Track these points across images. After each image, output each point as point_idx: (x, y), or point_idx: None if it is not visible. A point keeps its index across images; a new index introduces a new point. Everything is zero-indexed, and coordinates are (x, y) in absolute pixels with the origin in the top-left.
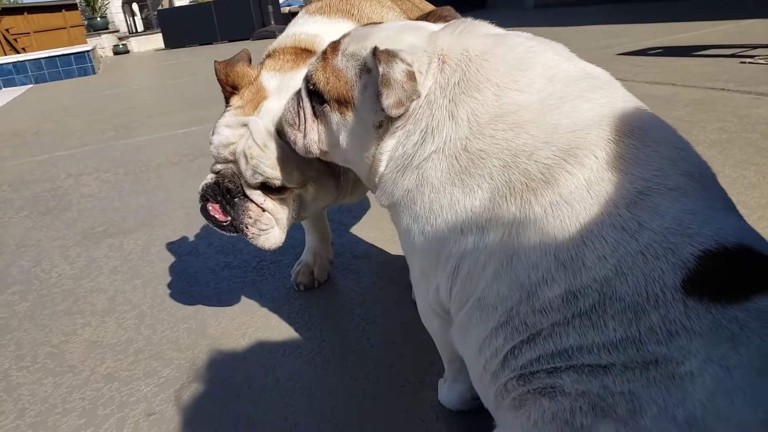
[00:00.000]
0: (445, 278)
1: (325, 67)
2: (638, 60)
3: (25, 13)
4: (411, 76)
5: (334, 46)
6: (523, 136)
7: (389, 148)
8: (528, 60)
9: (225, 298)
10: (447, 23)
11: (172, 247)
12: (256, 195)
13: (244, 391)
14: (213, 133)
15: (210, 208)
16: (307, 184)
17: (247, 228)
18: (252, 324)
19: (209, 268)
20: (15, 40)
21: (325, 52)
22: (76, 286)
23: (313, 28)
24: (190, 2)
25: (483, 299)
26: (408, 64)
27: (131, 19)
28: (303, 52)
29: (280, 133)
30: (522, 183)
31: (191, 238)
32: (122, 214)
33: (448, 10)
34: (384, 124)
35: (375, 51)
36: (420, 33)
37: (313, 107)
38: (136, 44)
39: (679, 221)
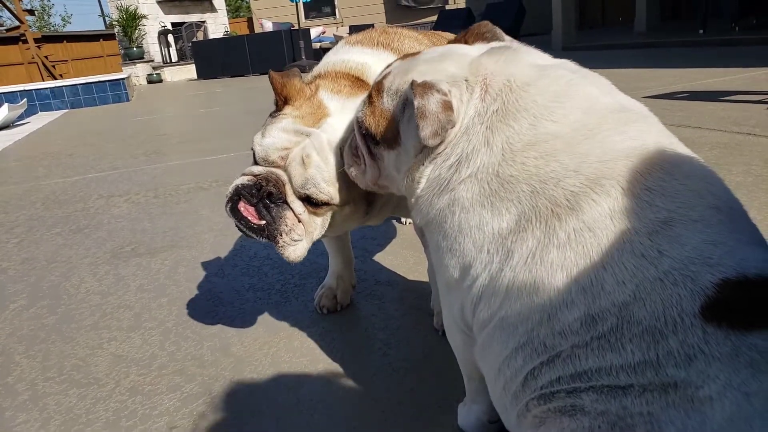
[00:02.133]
0: (470, 296)
1: (374, 111)
2: (665, 103)
3: (65, 42)
4: (447, 106)
5: (378, 87)
6: (552, 164)
7: (428, 171)
8: (567, 93)
9: (249, 319)
10: (491, 47)
11: (198, 267)
12: (297, 205)
13: (264, 409)
14: (263, 135)
15: (242, 207)
16: (346, 205)
17: (280, 236)
18: (275, 344)
19: (234, 289)
20: (53, 66)
21: (371, 95)
22: (103, 302)
23: (359, 57)
24: (224, 35)
25: (505, 319)
26: (444, 94)
27: (166, 49)
28: (357, 80)
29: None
30: (548, 209)
31: (218, 259)
32: (151, 235)
33: (486, 26)
34: (424, 149)
35: (412, 84)
36: (461, 60)
37: (368, 148)
38: (169, 74)
39: (700, 251)
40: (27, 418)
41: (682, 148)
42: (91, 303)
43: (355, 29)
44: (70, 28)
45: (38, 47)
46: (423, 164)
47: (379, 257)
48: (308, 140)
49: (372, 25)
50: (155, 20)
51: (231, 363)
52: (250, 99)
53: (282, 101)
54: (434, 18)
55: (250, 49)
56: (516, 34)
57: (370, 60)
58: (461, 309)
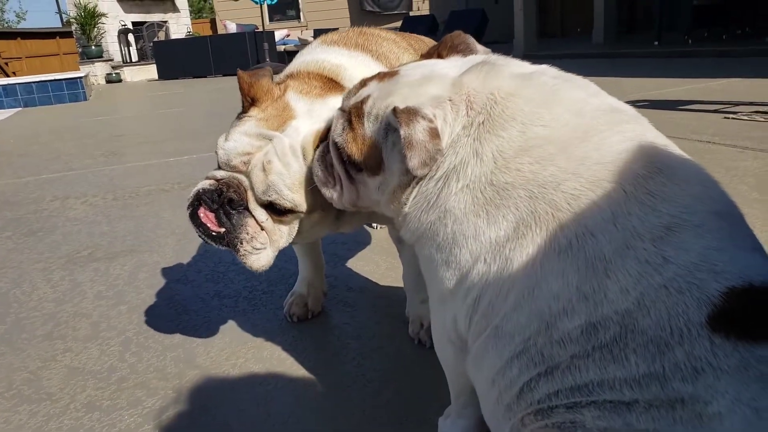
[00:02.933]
0: (465, 308)
1: (355, 138)
2: None
3: (19, 39)
4: (434, 134)
5: (358, 111)
6: (550, 168)
7: (414, 191)
8: (553, 98)
9: (215, 328)
10: (469, 64)
11: (160, 273)
12: (259, 212)
13: (233, 424)
14: (226, 139)
15: (202, 214)
16: (314, 212)
17: (241, 244)
18: (243, 355)
19: (199, 296)
20: (6, 63)
21: (350, 120)
22: (58, 310)
23: (335, 58)
24: (186, 35)
25: (500, 328)
26: (430, 120)
27: (126, 49)
28: (330, 81)
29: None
30: (548, 213)
31: (181, 265)
32: (109, 239)
33: (459, 37)
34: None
35: (395, 111)
36: (443, 81)
37: (347, 173)
38: (129, 74)
39: (705, 257)
40: None
41: (677, 150)
42: (44, 311)
43: (319, 33)
44: (24, 25)
45: None
46: (409, 185)
47: (351, 263)
48: (270, 145)
49: (336, 29)
50: (115, 19)
51: (196, 375)
52: (213, 100)
53: (248, 102)
54: (398, 24)
55: (213, 51)
56: (479, 41)
57: (345, 62)
58: (454, 321)
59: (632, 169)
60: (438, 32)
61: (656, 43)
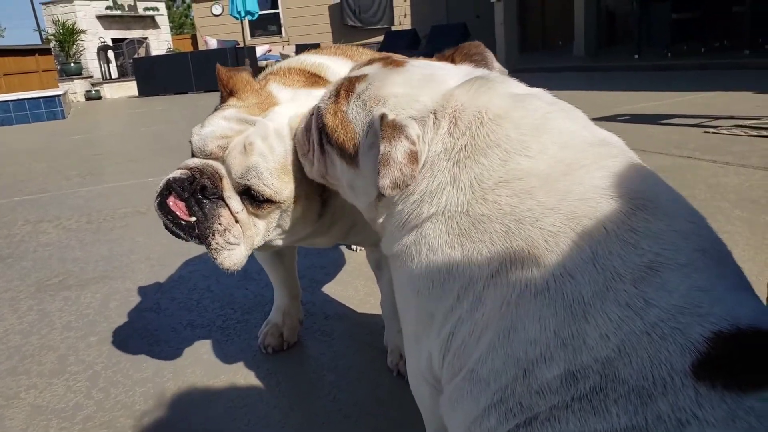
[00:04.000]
0: (438, 345)
1: (336, 112)
2: (608, 126)
3: None
4: (413, 158)
5: (350, 86)
6: (528, 203)
7: (389, 203)
8: (543, 126)
9: (186, 361)
10: (470, 76)
11: (132, 301)
12: (235, 201)
13: None
14: (202, 126)
15: (171, 203)
16: (295, 203)
17: (213, 236)
18: (215, 390)
19: (171, 326)
20: None
21: (338, 91)
22: (23, 342)
23: (317, 59)
24: (167, 51)
25: (475, 372)
26: (412, 143)
27: (106, 66)
28: (313, 76)
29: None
30: (524, 251)
31: (154, 292)
32: (81, 265)
33: (477, 47)
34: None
35: (382, 119)
36: (437, 90)
37: (321, 143)
38: (109, 91)
39: (689, 299)
40: None
41: (664, 186)
42: (9, 344)
43: (301, 48)
44: (2, 42)
45: None
46: (382, 198)
47: (329, 287)
48: (252, 129)
49: (318, 45)
50: (94, 36)
51: (165, 412)
52: (194, 117)
53: (227, 93)
54: (380, 38)
55: (194, 67)
56: None
57: (327, 62)
58: (429, 359)
59: (615, 205)
60: (420, 46)
61: (636, 56)
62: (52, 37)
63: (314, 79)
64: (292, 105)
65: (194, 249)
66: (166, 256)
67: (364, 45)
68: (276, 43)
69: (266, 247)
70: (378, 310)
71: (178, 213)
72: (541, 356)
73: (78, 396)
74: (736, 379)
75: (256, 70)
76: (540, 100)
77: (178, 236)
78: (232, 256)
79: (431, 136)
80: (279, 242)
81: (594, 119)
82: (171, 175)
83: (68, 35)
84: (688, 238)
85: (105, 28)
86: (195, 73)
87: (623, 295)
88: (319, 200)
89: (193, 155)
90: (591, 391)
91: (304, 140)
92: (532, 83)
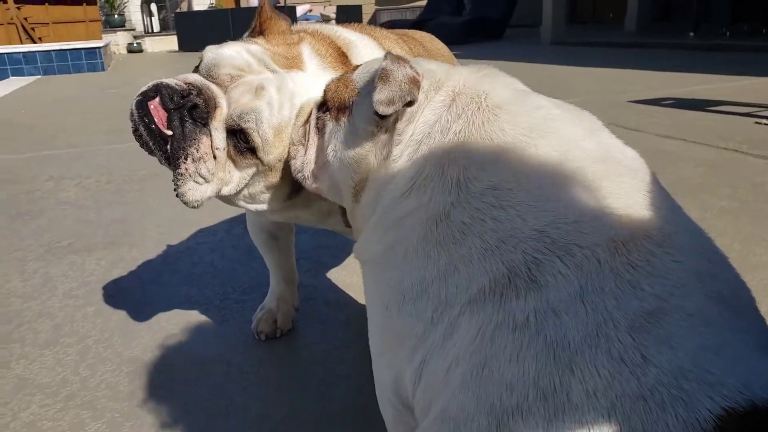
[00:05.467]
0: (410, 370)
1: (339, 80)
2: (650, 110)
3: (46, 4)
4: (414, 81)
5: (357, 66)
6: (515, 220)
7: (378, 181)
8: (543, 127)
9: (177, 341)
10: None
11: (135, 271)
12: (220, 135)
13: None
14: (221, 47)
15: (153, 106)
16: (271, 171)
17: (184, 159)
18: (201, 375)
19: (169, 301)
20: (32, 29)
21: (347, 73)
22: (23, 307)
23: (349, 35)
24: (209, 7)
25: (447, 412)
26: (417, 73)
27: (148, 19)
28: (342, 55)
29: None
30: (504, 276)
31: (159, 262)
32: (93, 228)
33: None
34: (375, 135)
35: (387, 54)
36: (445, 67)
37: (317, 118)
38: (150, 44)
39: (697, 360)
40: None
41: (680, 215)
42: (9, 308)
43: (342, 9)
44: None
45: (18, 8)
46: (373, 166)
47: (333, 273)
48: (272, 76)
49: (360, 7)
50: None
51: (148, 397)
52: None
53: (258, 30)
54: (424, 2)
55: (234, 23)
56: (505, 24)
57: (356, 40)
58: (395, 380)
59: (611, 233)
60: (464, 12)
61: (691, 34)
62: None
63: (343, 58)
64: (315, 79)
65: (205, 218)
66: (176, 223)
67: (407, 8)
68: (317, 3)
69: (238, 202)
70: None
71: (155, 119)
72: (517, 408)
73: (66, 371)
74: None
75: None
76: (545, 100)
77: (145, 145)
78: (197, 190)
79: (429, 97)
80: (247, 205)
81: (636, 101)
82: (164, 80)
83: None
84: (702, 281)
85: None
86: (235, 30)
87: (617, 345)
88: (291, 183)
89: (196, 66)
90: None
91: (301, 133)
92: (577, 57)
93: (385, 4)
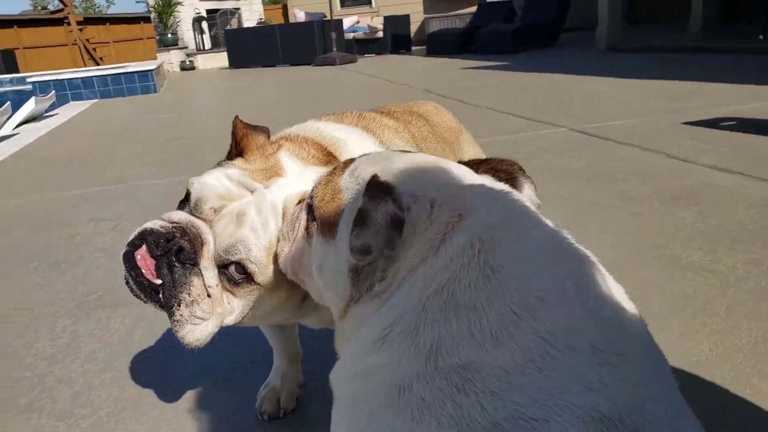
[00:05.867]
0: None
1: (329, 182)
2: (705, 134)
3: (107, 24)
4: (396, 224)
5: (348, 163)
6: (474, 407)
7: (358, 314)
8: (535, 310)
9: (184, 417)
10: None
11: (156, 331)
12: (211, 273)
13: None
14: (203, 177)
15: (139, 256)
16: (278, 288)
17: (178, 306)
18: None
19: (182, 367)
20: (94, 49)
21: (337, 167)
22: (47, 372)
23: (334, 131)
24: (258, 23)
25: None
26: (400, 209)
27: (200, 36)
28: (326, 152)
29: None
30: None
31: None
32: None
33: (510, 164)
34: (359, 273)
35: (371, 179)
36: (446, 180)
37: (307, 221)
38: (202, 61)
39: None
40: None
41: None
42: (35, 372)
43: (389, 20)
44: (113, 10)
45: (80, 29)
46: (354, 299)
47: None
48: (250, 197)
49: (407, 16)
50: (190, 6)
51: None
52: (278, 98)
53: (236, 152)
54: (473, 9)
55: (282, 40)
56: (559, 29)
57: (344, 136)
58: None
59: None
60: (515, 18)
61: (761, 37)
62: (152, 9)
63: (328, 156)
64: (297, 180)
65: None
66: None
67: (456, 16)
68: (365, 14)
69: (242, 324)
70: None
71: (143, 270)
72: None
73: None
74: None
75: (341, 41)
76: (560, 261)
77: (138, 297)
78: (196, 331)
79: (417, 234)
80: (258, 323)
81: (691, 123)
82: (149, 225)
83: (166, 7)
84: None
85: None
86: (282, 47)
87: None
88: (302, 291)
89: (184, 200)
90: None
91: (290, 227)
92: (632, 66)
93: (433, 12)
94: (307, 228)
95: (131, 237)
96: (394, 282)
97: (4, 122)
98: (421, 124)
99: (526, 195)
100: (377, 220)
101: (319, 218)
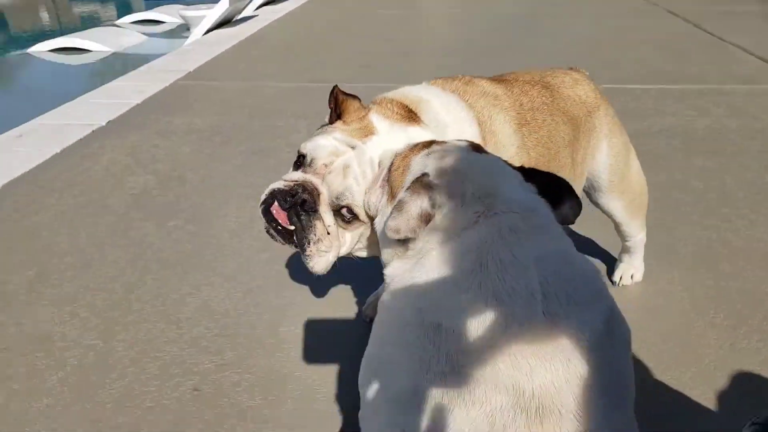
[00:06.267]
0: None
1: (405, 156)
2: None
3: None
4: (425, 218)
5: (426, 144)
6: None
7: (399, 265)
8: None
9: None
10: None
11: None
12: (328, 216)
13: None
14: (313, 138)
15: (274, 211)
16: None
17: (308, 244)
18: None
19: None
20: None
21: (417, 144)
22: (227, 243)
23: (422, 93)
24: None
25: None
26: (432, 205)
27: None
28: (408, 110)
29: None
30: None
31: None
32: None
33: (562, 182)
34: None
35: (420, 177)
36: (499, 180)
37: (383, 181)
38: None
39: None
40: None
41: None
42: (219, 240)
43: None
44: None
45: None
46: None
47: None
48: (352, 152)
49: None
50: None
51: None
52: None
53: (336, 116)
54: None
55: None
56: None
57: (429, 97)
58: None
59: None
60: None
61: None
62: None
63: (409, 114)
64: (387, 138)
65: None
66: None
67: None
68: None
69: (352, 257)
70: None
71: (280, 221)
72: None
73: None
74: None
75: None
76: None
77: (279, 242)
78: (321, 261)
79: (452, 216)
80: (363, 255)
81: None
82: (275, 185)
83: None
84: None
85: None
86: None
87: None
88: None
89: (296, 161)
90: None
91: (379, 174)
92: None
93: None
94: (382, 186)
95: (263, 196)
96: (423, 251)
97: (246, 4)
98: (539, 94)
99: (564, 212)
100: (410, 212)
101: (389, 183)
